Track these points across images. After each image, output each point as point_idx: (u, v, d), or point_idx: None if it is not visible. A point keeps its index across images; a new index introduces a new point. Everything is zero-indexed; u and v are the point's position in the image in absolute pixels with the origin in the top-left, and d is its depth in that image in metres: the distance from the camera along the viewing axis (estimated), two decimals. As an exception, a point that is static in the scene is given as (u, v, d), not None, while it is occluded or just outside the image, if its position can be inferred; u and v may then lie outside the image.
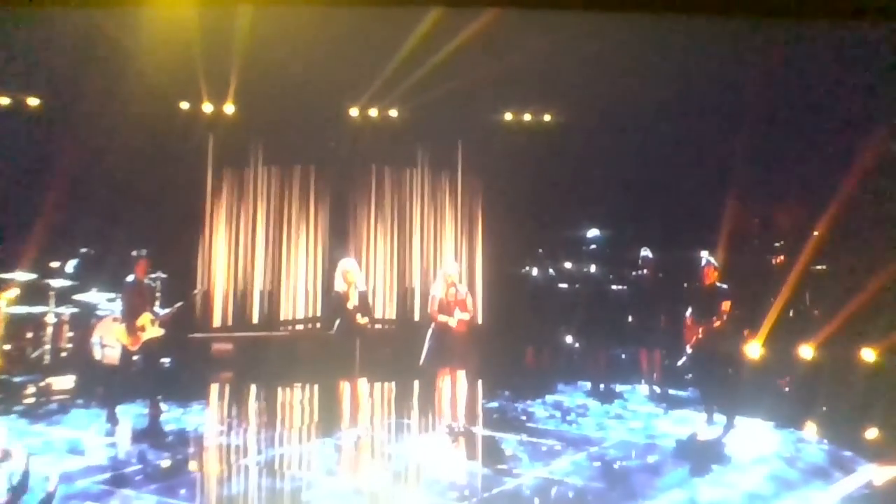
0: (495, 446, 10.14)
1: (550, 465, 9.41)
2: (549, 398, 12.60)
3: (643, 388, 12.92)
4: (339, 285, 10.89)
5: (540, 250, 13.90)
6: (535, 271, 13.82)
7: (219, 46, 12.10)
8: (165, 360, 12.43)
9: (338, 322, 10.87)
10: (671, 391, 12.57)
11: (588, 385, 13.07)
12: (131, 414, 11.11)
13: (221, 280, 15.37)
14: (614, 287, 13.48)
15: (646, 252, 12.95)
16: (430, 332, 11.07)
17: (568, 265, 14.10)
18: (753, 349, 12.09)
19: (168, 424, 10.86)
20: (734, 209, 12.82)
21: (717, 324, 10.86)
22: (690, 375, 12.08)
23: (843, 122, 12.34)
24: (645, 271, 12.85)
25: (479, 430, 10.79)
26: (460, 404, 10.94)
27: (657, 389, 12.75)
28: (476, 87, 13.25)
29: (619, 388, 12.92)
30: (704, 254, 11.41)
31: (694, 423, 11.11)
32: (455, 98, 13.62)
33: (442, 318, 10.86)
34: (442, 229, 16.12)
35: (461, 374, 11.00)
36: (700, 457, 9.91)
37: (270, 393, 13.05)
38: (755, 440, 10.51)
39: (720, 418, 10.96)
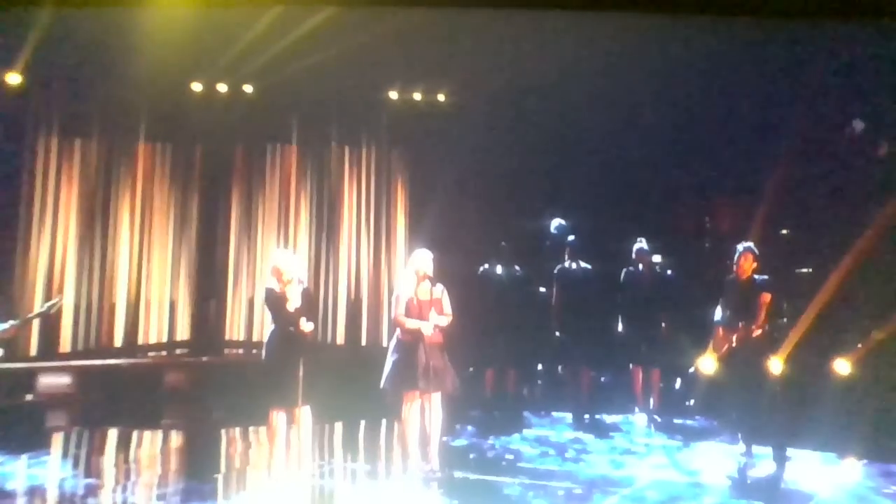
0: (496, 493, 8.40)
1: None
2: (528, 433, 10.77)
3: (639, 418, 11.19)
4: (271, 282, 8.78)
5: (503, 243, 11.62)
6: (497, 269, 11.45)
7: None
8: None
9: (272, 329, 8.89)
10: (676, 420, 11.13)
11: (569, 416, 11.33)
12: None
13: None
14: (599, 288, 11.44)
15: (641, 244, 11.19)
16: (393, 343, 9.12)
17: (535, 261, 12.01)
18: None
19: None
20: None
21: (759, 329, 9.25)
22: (693, 401, 10.95)
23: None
24: (640, 267, 11.10)
25: (464, 475, 8.94)
26: (434, 440, 8.99)
27: (657, 419, 11.04)
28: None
29: (608, 418, 11.31)
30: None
31: (729, 456, 9.63)
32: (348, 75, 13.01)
33: (412, 323, 8.89)
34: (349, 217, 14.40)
35: (436, 399, 8.98)
36: (770, 496, 8.70)
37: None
38: (823, 473, 9.18)
39: (760, 449, 9.47)
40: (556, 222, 12.64)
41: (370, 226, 14.37)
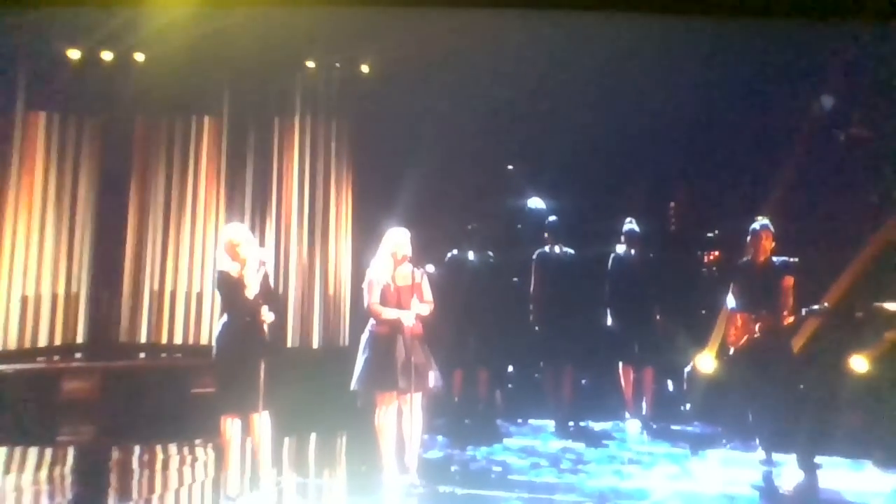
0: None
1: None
2: (510, 442, 9.81)
3: (631, 424, 10.24)
4: (225, 263, 7.79)
5: (470, 226, 10.58)
6: (468, 256, 10.35)
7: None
8: None
9: (224, 321, 7.79)
10: (674, 427, 10.27)
11: (550, 423, 10.39)
12: None
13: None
14: (584, 276, 10.48)
15: (631, 224, 10.29)
16: (365, 337, 8.11)
17: (510, 246, 11.06)
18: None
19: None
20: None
21: (788, 318, 8.47)
22: (688, 405, 10.42)
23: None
24: (632, 252, 10.20)
25: (450, 489, 8.09)
26: (414, 449, 8.01)
27: (652, 425, 10.14)
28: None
29: (596, 425, 10.42)
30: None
31: (747, 465, 8.87)
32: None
33: (390, 313, 7.99)
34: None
35: (416, 401, 8.02)
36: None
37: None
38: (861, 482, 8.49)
39: (781, 457, 8.74)
40: (533, 201, 11.80)
41: (305, 207, 12.97)
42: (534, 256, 10.52)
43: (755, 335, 8.64)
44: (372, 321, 8.08)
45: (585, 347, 10.46)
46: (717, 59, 10.89)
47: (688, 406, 10.43)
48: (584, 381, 10.90)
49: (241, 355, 7.62)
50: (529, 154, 11.90)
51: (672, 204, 12.23)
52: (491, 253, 10.52)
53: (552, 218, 10.71)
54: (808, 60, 10.94)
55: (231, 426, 7.69)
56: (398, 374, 7.91)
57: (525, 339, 10.59)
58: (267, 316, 7.76)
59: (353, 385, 8.01)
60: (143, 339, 12.91)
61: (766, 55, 10.83)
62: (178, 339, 12.78)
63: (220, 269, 7.77)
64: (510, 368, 11.16)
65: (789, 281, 8.63)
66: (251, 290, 7.65)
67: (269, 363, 7.67)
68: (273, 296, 8.08)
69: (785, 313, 8.52)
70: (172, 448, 9.73)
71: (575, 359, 10.43)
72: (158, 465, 9.25)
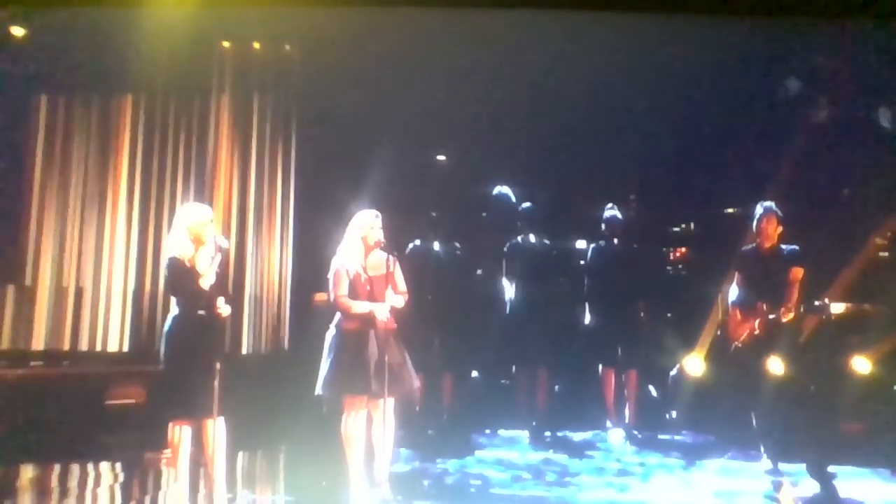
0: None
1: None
2: (484, 454, 9.19)
3: (614, 434, 9.65)
4: (178, 248, 7.17)
5: (434, 214, 9.91)
6: (431, 247, 9.72)
7: None
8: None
9: (174, 314, 7.18)
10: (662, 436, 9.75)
11: (523, 434, 9.82)
12: None
13: None
14: (561, 269, 9.97)
15: (612, 211, 9.74)
16: (331, 335, 7.43)
17: (479, 236, 10.44)
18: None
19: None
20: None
21: (791, 312, 8.01)
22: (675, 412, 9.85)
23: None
24: (615, 241, 9.68)
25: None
26: (386, 460, 7.42)
27: (637, 434, 9.55)
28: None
29: (575, 435, 9.85)
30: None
31: (749, 475, 8.45)
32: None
33: (361, 306, 7.36)
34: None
35: (389, 406, 7.32)
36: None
37: None
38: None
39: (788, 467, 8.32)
40: (504, 186, 11.24)
41: (234, 196, 11.81)
42: (505, 248, 9.88)
43: (761, 330, 8.21)
44: (338, 316, 7.35)
45: (562, 348, 9.80)
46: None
47: (674, 414, 9.90)
48: (556, 388, 10.29)
49: (194, 353, 6.98)
50: (496, 133, 11.27)
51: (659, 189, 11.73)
52: (458, 244, 9.85)
53: (526, 204, 10.06)
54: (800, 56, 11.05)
55: (181, 434, 7.01)
56: (371, 376, 7.21)
57: (495, 339, 9.89)
58: (224, 309, 7.16)
59: (319, 389, 7.30)
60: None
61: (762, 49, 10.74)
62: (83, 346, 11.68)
63: (172, 255, 7.09)
64: (474, 374, 10.48)
65: (798, 273, 8.20)
66: (207, 280, 7.05)
67: (226, 362, 7.09)
68: (225, 286, 7.51)
69: (784, 308, 8.04)
70: (79, 469, 8.94)
71: (551, 361, 9.75)
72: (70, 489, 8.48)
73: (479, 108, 10.91)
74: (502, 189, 10.89)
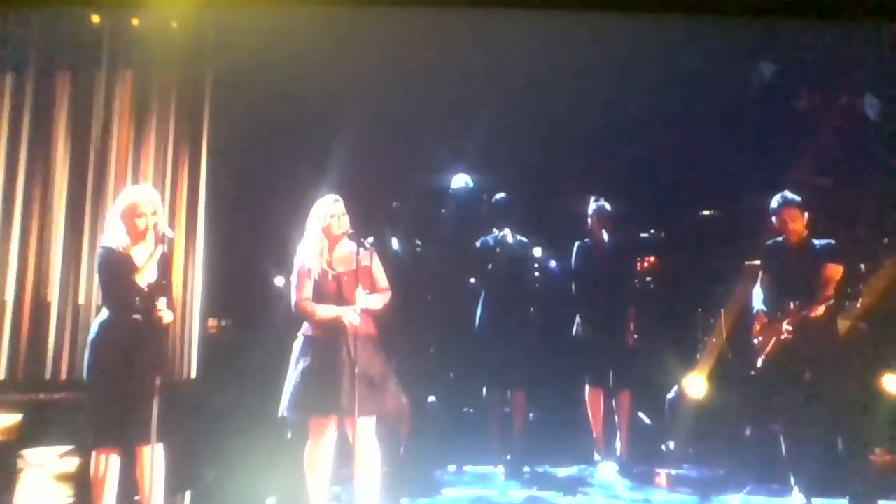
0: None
1: None
2: (454, 493, 8.38)
3: (606, 467, 8.81)
4: (113, 237, 6.53)
5: (395, 204, 9.14)
6: (391, 245, 8.87)
7: None
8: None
9: (103, 319, 6.47)
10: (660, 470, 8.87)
11: (498, 471, 8.93)
12: None
13: None
14: (541, 271, 9.28)
15: (599, 202, 9.03)
16: (298, 346, 6.75)
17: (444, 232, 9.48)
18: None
19: None
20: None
21: (822, 312, 7.36)
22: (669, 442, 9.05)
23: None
24: (604, 238, 8.91)
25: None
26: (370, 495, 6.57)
27: (633, 469, 8.80)
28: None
29: (560, 471, 9.02)
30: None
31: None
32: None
33: (326, 310, 6.67)
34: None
35: (366, 429, 6.54)
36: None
37: None
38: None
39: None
40: (473, 175, 10.44)
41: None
42: (476, 245, 9.04)
43: (793, 337, 7.54)
44: (305, 324, 6.68)
45: (542, 365, 8.97)
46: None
47: (671, 445, 9.25)
48: (531, 415, 9.59)
49: (127, 366, 6.20)
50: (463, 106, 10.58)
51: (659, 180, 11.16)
52: (419, 241, 8.93)
53: (500, 195, 9.19)
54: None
55: (107, 465, 6.21)
56: (341, 392, 6.32)
57: (459, 356, 9.08)
58: (165, 314, 6.45)
59: (282, 410, 6.55)
60: None
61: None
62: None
63: (105, 245, 6.44)
64: (431, 399, 9.71)
65: (835, 272, 7.48)
66: (145, 277, 6.26)
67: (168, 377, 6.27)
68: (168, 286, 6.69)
69: (815, 307, 7.38)
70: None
71: (528, 382, 8.91)
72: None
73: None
74: (467, 178, 10.05)
